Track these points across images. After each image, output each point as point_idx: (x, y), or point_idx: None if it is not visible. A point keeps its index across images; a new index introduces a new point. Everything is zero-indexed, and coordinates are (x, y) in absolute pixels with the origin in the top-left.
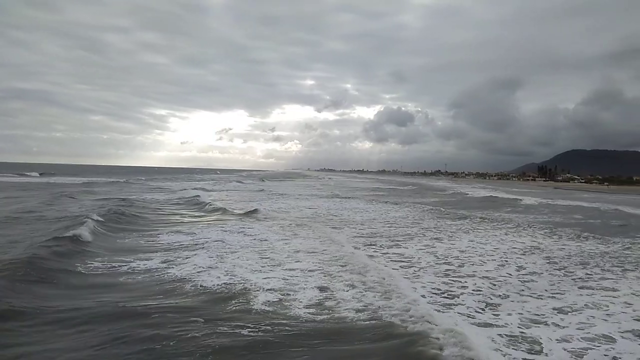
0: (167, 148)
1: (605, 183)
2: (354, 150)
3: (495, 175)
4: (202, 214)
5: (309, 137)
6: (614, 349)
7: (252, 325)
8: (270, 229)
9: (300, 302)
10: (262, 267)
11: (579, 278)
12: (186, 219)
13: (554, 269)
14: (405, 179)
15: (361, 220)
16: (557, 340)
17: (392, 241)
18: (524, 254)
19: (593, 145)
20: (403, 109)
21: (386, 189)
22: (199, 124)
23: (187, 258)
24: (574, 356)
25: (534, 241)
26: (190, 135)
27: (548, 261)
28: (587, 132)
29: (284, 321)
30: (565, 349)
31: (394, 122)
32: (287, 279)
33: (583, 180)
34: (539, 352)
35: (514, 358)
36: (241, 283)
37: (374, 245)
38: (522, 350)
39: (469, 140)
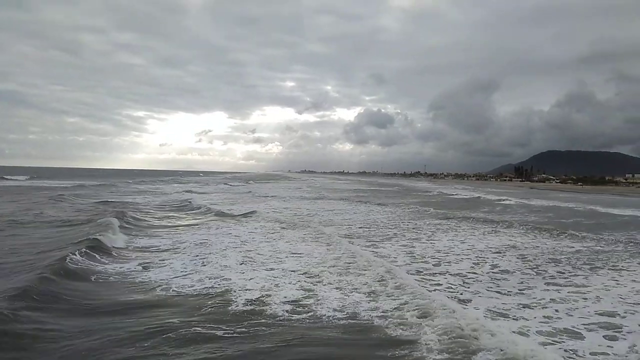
0: (145, 150)
1: (580, 183)
2: (334, 152)
3: (473, 176)
4: (201, 216)
5: (289, 139)
6: (573, 340)
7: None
8: (271, 230)
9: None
10: (272, 267)
11: (550, 275)
12: (185, 222)
13: (527, 267)
14: (386, 180)
15: (342, 220)
16: (513, 331)
17: (369, 241)
18: (499, 253)
19: (567, 146)
20: (383, 110)
21: (368, 191)
22: (177, 125)
23: (205, 258)
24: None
25: (510, 240)
26: (169, 137)
27: (522, 259)
28: (561, 133)
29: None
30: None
31: (374, 124)
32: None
33: (558, 181)
34: None
35: None
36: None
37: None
38: None
39: (448, 142)
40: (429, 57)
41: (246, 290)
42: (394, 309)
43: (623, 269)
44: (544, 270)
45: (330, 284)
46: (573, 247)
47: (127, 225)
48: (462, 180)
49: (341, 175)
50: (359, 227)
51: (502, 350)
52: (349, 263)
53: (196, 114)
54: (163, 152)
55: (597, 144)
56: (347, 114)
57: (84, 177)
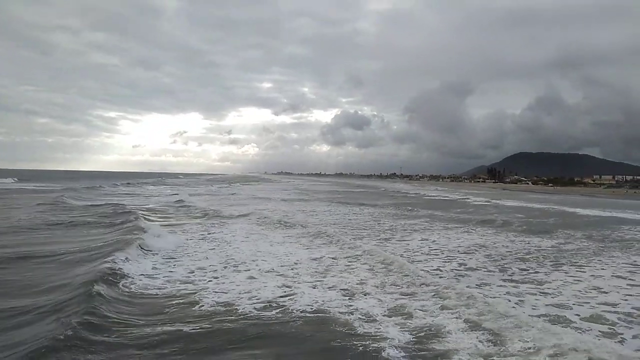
0: (117, 151)
1: (550, 184)
2: (311, 153)
3: (448, 178)
4: (199, 218)
5: (266, 140)
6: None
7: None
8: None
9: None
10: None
11: (511, 273)
12: (186, 222)
13: (492, 265)
14: (363, 182)
15: (317, 221)
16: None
17: (342, 241)
18: (468, 252)
19: (538, 148)
20: (360, 112)
21: (346, 192)
22: (151, 126)
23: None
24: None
25: (481, 239)
26: (142, 139)
27: (489, 258)
28: (532, 135)
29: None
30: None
31: (350, 126)
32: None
33: (530, 182)
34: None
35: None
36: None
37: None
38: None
39: (423, 144)
40: (404, 59)
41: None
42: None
43: (584, 266)
44: (508, 268)
45: (307, 282)
46: (540, 246)
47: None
48: (437, 182)
49: (318, 177)
50: (340, 228)
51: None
52: (329, 265)
53: (171, 114)
54: (136, 154)
55: (566, 146)
56: (324, 116)
57: (62, 179)
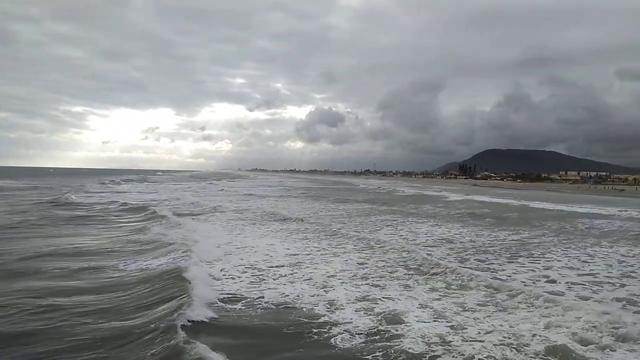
0: (86, 148)
1: (519, 180)
2: (285, 150)
3: (420, 174)
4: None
5: (240, 137)
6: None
7: None
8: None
9: None
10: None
11: (470, 263)
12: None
13: (453, 257)
14: (337, 179)
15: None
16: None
17: (314, 235)
18: (434, 244)
19: (507, 144)
20: (334, 109)
21: (321, 189)
22: (121, 122)
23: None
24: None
25: (448, 233)
26: (112, 135)
27: (452, 250)
28: (501, 132)
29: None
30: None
31: (325, 122)
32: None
33: (499, 178)
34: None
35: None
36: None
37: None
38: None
39: (396, 140)
40: (377, 56)
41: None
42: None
43: (540, 257)
44: (467, 259)
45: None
46: (505, 239)
47: None
48: (409, 178)
49: (293, 173)
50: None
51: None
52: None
53: (141, 110)
54: (106, 150)
55: (533, 143)
56: (299, 112)
57: (32, 176)
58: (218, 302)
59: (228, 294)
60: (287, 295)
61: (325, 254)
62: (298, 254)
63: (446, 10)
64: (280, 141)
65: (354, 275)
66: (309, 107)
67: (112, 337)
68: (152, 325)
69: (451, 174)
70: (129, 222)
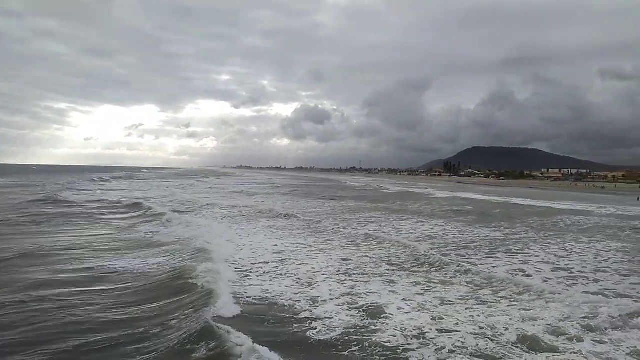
0: (67, 145)
1: (502, 177)
2: (271, 147)
3: (405, 171)
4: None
5: (225, 134)
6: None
7: None
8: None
9: None
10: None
11: (450, 258)
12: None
13: (436, 253)
14: (323, 176)
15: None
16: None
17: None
18: (416, 240)
19: (491, 142)
20: (320, 106)
21: (307, 186)
22: (104, 119)
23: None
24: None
25: (432, 229)
26: (94, 131)
27: (433, 245)
28: (485, 130)
29: None
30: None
31: (311, 120)
32: None
33: (483, 175)
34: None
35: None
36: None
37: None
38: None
39: (382, 138)
40: (364, 55)
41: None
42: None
43: (518, 252)
44: (448, 254)
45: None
46: (487, 236)
47: None
48: (395, 175)
49: (279, 171)
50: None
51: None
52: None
53: (125, 106)
54: (88, 147)
55: (517, 140)
56: (285, 109)
57: (17, 174)
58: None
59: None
60: (270, 292)
61: (312, 250)
62: (284, 250)
63: (433, 9)
64: (266, 138)
65: (338, 271)
66: (295, 104)
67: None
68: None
69: (436, 172)
70: (129, 218)
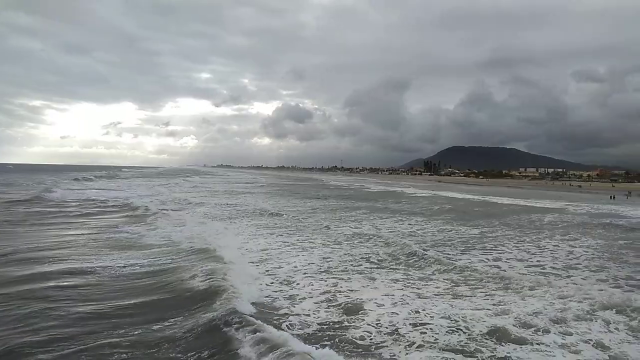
0: (43, 143)
1: (481, 176)
2: (253, 146)
3: (386, 170)
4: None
5: (205, 132)
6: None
7: None
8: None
9: None
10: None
11: (429, 255)
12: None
13: (415, 250)
14: (305, 175)
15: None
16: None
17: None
18: (396, 238)
19: (470, 142)
20: (301, 105)
21: (292, 185)
22: (81, 117)
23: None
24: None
25: (411, 228)
26: (71, 129)
27: (414, 243)
28: (465, 130)
29: None
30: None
31: (292, 119)
32: None
33: (462, 174)
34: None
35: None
36: None
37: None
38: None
39: (363, 137)
40: (346, 54)
41: None
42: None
43: (493, 249)
44: (425, 252)
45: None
46: (465, 233)
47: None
48: (376, 175)
49: (260, 170)
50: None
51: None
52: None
53: (102, 104)
54: (64, 145)
55: (495, 140)
56: (266, 108)
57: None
58: None
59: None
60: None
61: (294, 248)
62: (267, 249)
63: (414, 10)
64: (247, 137)
65: (319, 269)
66: (276, 103)
67: None
68: None
69: (416, 171)
70: (124, 216)
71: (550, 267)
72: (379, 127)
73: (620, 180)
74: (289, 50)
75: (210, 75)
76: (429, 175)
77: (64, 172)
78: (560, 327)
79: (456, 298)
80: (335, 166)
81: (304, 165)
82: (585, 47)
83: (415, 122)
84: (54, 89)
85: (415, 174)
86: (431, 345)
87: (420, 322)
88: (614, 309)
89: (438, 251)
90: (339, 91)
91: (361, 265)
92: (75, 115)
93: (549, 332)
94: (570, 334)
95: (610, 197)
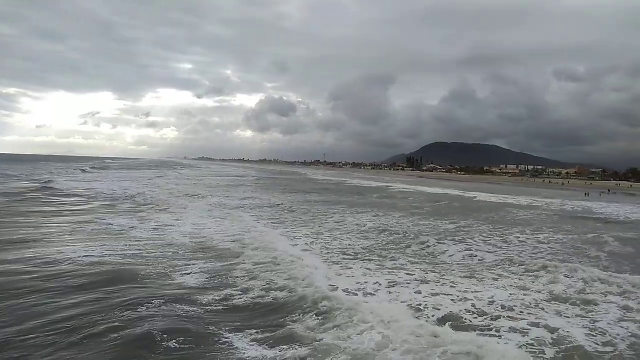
0: (17, 132)
1: (462, 172)
2: (235, 138)
3: (369, 166)
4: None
5: (187, 124)
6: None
7: None
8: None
9: None
10: None
11: (398, 248)
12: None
13: (390, 243)
14: (287, 169)
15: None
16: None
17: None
18: (373, 232)
19: (452, 138)
20: (285, 98)
21: (270, 179)
22: (57, 105)
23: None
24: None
25: (387, 222)
26: (47, 119)
27: (391, 237)
28: (447, 126)
29: None
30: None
31: (276, 112)
32: None
33: (444, 170)
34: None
35: None
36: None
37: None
38: None
39: (347, 132)
40: (329, 48)
41: None
42: None
43: (462, 241)
44: (399, 244)
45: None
46: (439, 227)
47: None
48: (359, 169)
49: (242, 163)
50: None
51: None
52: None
53: (79, 93)
54: (40, 135)
55: (477, 137)
56: (249, 100)
57: None
58: None
59: None
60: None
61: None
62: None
63: (397, 6)
64: (229, 130)
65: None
66: (260, 95)
67: None
68: None
69: (399, 166)
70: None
71: (518, 257)
72: (362, 122)
73: (597, 178)
74: (272, 42)
75: (192, 65)
76: (412, 170)
77: (41, 162)
78: (514, 313)
79: (424, 283)
80: (318, 160)
81: (287, 159)
82: (565, 46)
83: (398, 117)
84: (29, 77)
85: (398, 169)
86: (395, 326)
87: (384, 307)
88: (568, 302)
89: (412, 243)
90: (323, 85)
91: (339, 256)
92: (51, 104)
93: (499, 318)
94: (517, 319)
95: (585, 194)
